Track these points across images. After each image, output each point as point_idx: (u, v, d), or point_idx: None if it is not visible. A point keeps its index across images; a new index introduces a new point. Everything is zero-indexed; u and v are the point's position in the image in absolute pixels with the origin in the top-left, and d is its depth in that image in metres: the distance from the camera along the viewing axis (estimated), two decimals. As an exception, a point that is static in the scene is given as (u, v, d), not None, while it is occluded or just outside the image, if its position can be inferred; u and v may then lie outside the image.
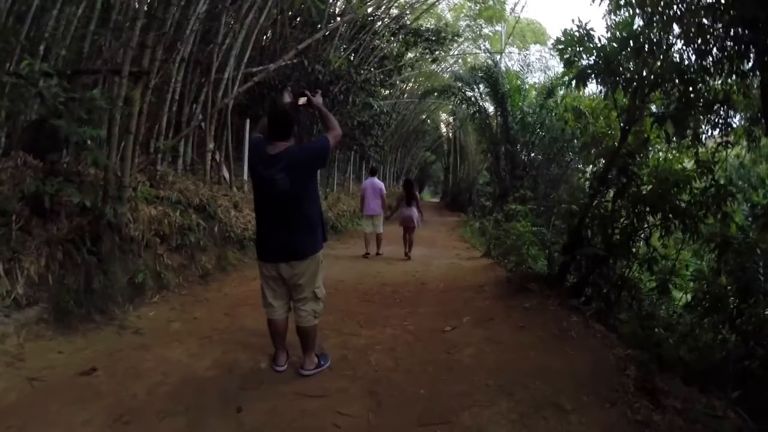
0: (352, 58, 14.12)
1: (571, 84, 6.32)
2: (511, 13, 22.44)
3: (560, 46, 6.07)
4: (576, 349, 4.23)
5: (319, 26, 12.11)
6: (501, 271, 7.92)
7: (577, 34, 5.89)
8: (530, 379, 3.60)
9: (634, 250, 6.16)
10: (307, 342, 3.62)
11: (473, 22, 24.97)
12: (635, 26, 5.63)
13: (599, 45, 5.81)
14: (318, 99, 3.61)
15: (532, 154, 17.10)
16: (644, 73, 5.68)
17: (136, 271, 5.29)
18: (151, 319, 4.78)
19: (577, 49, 5.94)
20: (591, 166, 7.63)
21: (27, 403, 3.06)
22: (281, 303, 3.57)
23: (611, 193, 6.34)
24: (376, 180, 10.39)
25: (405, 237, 10.15)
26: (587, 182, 7.29)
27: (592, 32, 5.85)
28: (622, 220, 6.13)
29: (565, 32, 6.03)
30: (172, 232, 6.42)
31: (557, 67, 23.86)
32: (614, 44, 5.68)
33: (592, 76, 5.97)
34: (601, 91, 6.54)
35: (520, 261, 6.74)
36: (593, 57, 5.86)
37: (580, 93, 11.38)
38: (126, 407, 3.05)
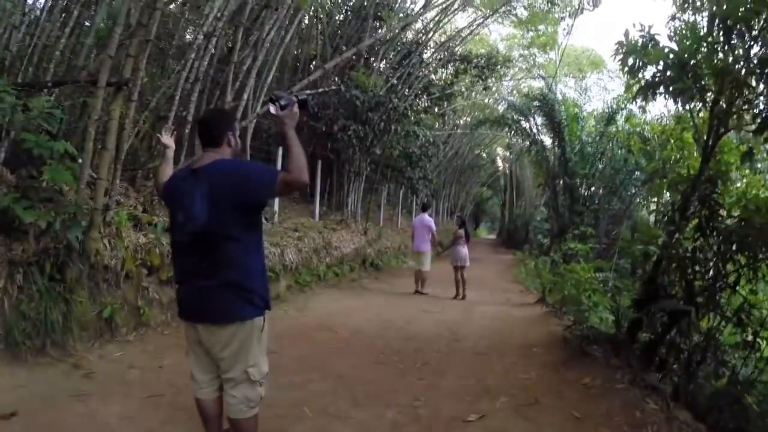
0: (395, 85, 13.32)
1: (637, 99, 5.47)
2: (564, 36, 21.31)
3: (622, 52, 5.10)
4: (654, 460, 2.88)
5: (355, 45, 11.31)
6: (556, 324, 6.52)
7: (640, 40, 4.98)
8: None
9: (719, 298, 4.90)
10: None
11: (526, 51, 24.06)
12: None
13: (666, 50, 4.83)
14: (288, 114, 2.33)
15: (593, 188, 15.57)
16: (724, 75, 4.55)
17: (106, 304, 4.64)
18: (112, 362, 4.20)
19: (642, 57, 4.99)
20: (659, 197, 6.62)
21: None
22: (208, 378, 2.52)
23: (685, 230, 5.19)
24: (425, 216, 10.15)
25: (456, 277, 9.67)
26: (661, 216, 6.14)
27: (657, 36, 4.95)
28: (706, 262, 5.00)
29: (627, 36, 5.08)
30: (163, 262, 5.58)
31: (617, 89, 22.66)
32: (685, 45, 4.71)
33: (661, 87, 5.00)
34: (669, 111, 5.53)
35: (579, 319, 5.31)
36: (660, 64, 4.91)
37: (644, 116, 10.24)
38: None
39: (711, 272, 4.93)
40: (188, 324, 2.44)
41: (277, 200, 9.99)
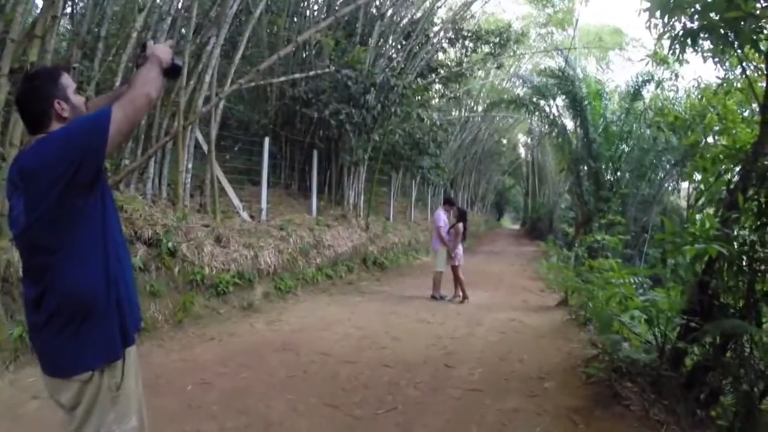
0: (396, 65, 12.11)
1: (672, 52, 4.23)
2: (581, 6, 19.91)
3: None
4: None
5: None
6: (578, 340, 5.23)
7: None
8: None
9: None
10: None
11: (543, 30, 22.68)
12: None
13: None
14: (160, 49, 1.78)
15: (619, 172, 14.14)
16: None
17: (20, 323, 4.10)
18: (20, 389, 3.59)
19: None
20: (691, 179, 5.51)
21: None
22: None
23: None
24: (438, 210, 9.03)
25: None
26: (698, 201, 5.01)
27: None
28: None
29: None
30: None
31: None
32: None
33: (701, 33, 3.92)
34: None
35: (611, 347, 3.92)
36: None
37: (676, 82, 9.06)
38: None
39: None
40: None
41: (264, 195, 8.91)
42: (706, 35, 4.01)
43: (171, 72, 1.79)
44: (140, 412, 1.85)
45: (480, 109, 23.70)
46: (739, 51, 4.09)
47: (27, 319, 1.79)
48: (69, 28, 7.55)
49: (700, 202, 7.07)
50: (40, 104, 1.70)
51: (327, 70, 10.19)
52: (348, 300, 7.79)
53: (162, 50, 1.76)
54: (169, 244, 5.85)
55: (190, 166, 7.29)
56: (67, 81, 1.76)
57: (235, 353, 4.74)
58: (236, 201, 8.62)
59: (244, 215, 8.51)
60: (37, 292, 1.66)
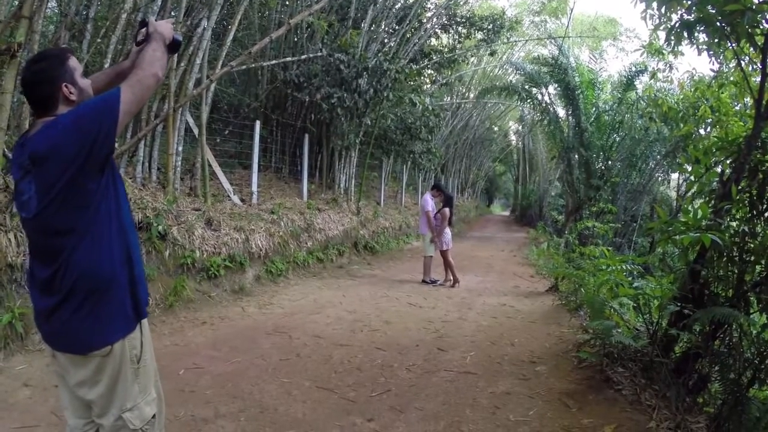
0: (389, 50, 12.01)
1: (668, 43, 4.19)
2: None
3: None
4: None
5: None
6: (568, 325, 5.28)
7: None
8: None
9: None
10: None
11: (537, 18, 22.66)
12: None
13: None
14: (162, 26, 1.80)
15: (610, 161, 14.20)
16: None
17: (9, 308, 4.04)
18: (9, 377, 3.54)
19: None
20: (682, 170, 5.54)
21: None
22: (82, 423, 1.84)
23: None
24: (426, 195, 8.94)
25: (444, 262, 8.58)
26: (698, 191, 5.00)
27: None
28: (760, 249, 3.75)
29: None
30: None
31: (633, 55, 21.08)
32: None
33: (697, 26, 3.84)
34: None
35: (603, 332, 3.91)
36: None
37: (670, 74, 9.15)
38: None
39: (765, 262, 3.78)
40: (49, 349, 1.79)
41: (254, 179, 8.85)
42: (703, 28, 4.02)
43: (172, 47, 1.81)
44: (157, 384, 1.90)
45: (472, 95, 23.65)
46: (734, 45, 4.09)
47: (35, 300, 1.77)
48: (56, 10, 7.34)
49: (690, 193, 7.14)
50: (48, 87, 1.68)
51: (319, 53, 10.10)
52: (339, 283, 7.81)
53: (164, 27, 1.78)
54: (160, 228, 5.80)
55: (180, 149, 7.21)
56: (75, 63, 1.74)
57: (227, 337, 4.73)
58: (227, 184, 8.55)
59: (235, 199, 8.45)
60: (50, 273, 1.67)
